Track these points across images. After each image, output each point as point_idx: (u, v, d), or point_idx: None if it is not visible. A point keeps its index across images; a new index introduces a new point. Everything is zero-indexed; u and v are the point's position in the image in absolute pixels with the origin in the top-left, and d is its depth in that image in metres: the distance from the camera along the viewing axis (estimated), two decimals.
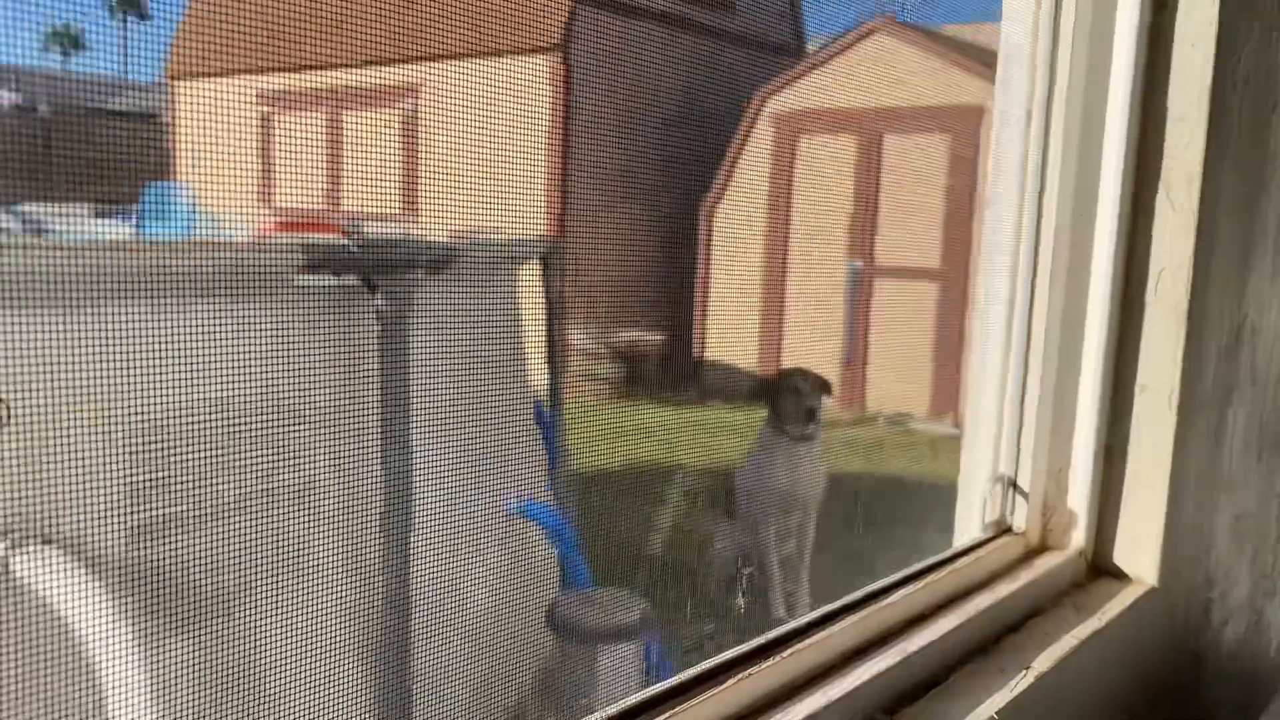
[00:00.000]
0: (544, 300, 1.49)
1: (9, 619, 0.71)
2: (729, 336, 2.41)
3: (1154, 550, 1.00)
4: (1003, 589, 0.94)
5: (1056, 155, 0.98)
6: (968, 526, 1.02)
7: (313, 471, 0.95)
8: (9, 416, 0.66)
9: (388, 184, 0.96)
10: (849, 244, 2.93)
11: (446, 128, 0.94)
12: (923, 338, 3.10)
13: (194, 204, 0.99)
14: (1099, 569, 1.04)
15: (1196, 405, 1.01)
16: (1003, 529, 1.02)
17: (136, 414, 0.77)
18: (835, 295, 2.93)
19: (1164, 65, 0.97)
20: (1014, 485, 1.04)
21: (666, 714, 0.66)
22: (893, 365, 2.96)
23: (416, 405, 1.00)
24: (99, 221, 0.81)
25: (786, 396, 1.92)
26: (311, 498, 0.95)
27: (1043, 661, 0.85)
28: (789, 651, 0.74)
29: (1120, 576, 1.03)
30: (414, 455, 0.99)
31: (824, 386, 2.00)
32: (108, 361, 0.77)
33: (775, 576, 1.84)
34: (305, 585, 0.92)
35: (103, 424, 0.77)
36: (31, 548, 0.78)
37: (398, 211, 1.03)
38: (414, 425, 0.99)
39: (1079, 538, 1.02)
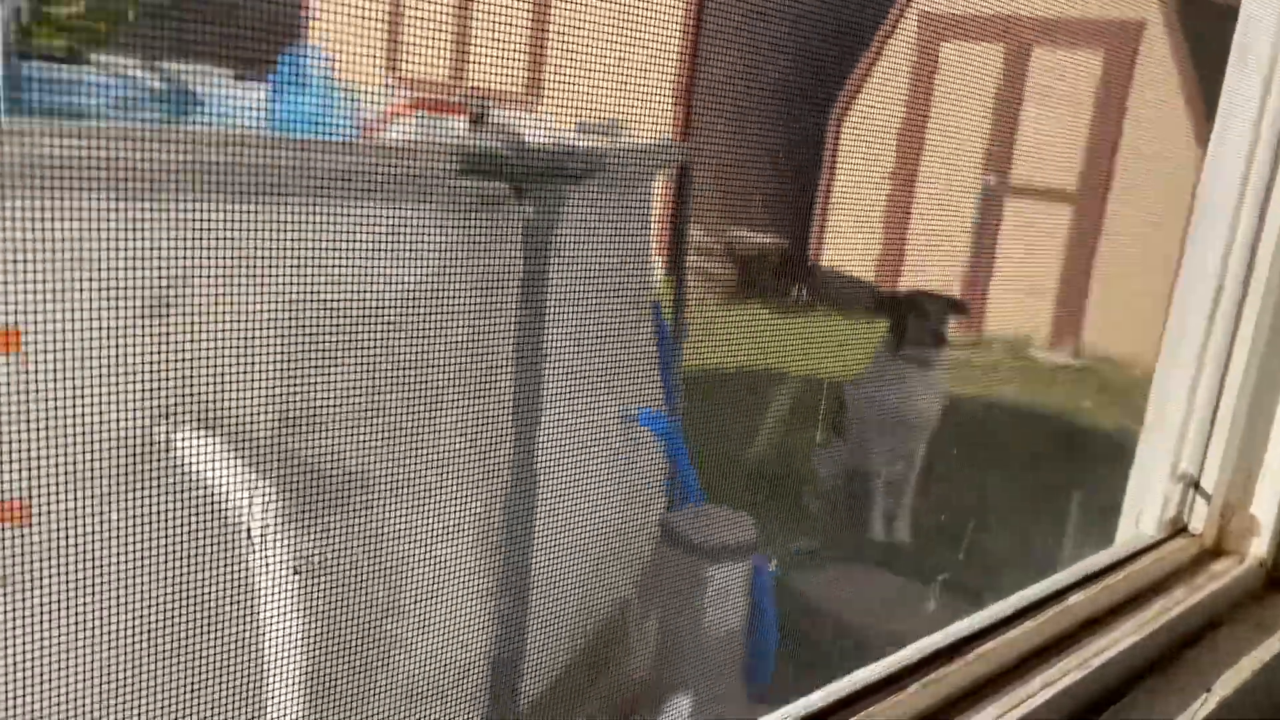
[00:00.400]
0: (676, 208, 1.46)
1: (168, 495, 0.75)
2: (850, 247, 2.35)
3: None
4: (1179, 595, 0.91)
5: None
6: (1140, 520, 0.99)
7: (450, 376, 0.96)
8: (22, 346, 0.68)
9: (515, 66, 0.94)
10: (984, 160, 2.81)
11: (580, 11, 0.92)
12: (1049, 263, 3.00)
13: (329, 72, 0.99)
14: (1278, 581, 1.01)
15: None
16: (1178, 528, 0.99)
17: (290, 310, 0.79)
18: (964, 212, 2.83)
19: None
20: (1196, 485, 1.00)
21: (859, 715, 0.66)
22: (1016, 289, 2.87)
23: (551, 314, 1.00)
24: (238, 87, 0.81)
25: (913, 318, 1.88)
26: (448, 399, 0.96)
27: (1224, 685, 0.83)
28: (972, 655, 0.73)
29: None
30: (546, 364, 1.00)
31: (956, 308, 1.95)
32: (267, 257, 0.78)
33: (877, 498, 1.84)
34: (436, 481, 0.95)
35: (258, 318, 0.79)
36: (189, 430, 0.81)
37: (522, 94, 1.01)
38: (548, 336, 0.99)
39: (1260, 546, 0.98)
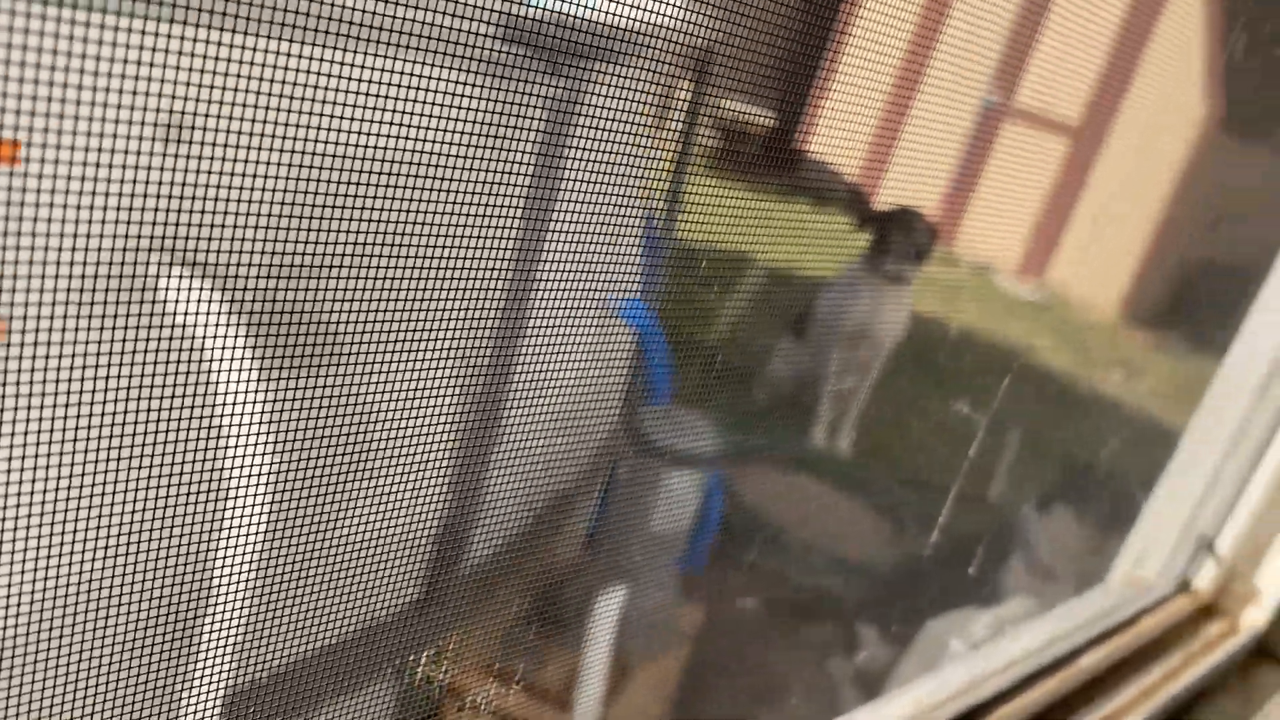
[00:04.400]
0: (691, 90, 1.41)
1: (151, 333, 0.72)
2: (844, 139, 2.30)
3: None
4: (1178, 660, 0.94)
5: None
6: (1141, 563, 1.02)
7: (446, 241, 0.94)
8: (8, 333, 0.65)
9: None
10: (992, 77, 2.75)
11: None
12: (1032, 194, 2.98)
13: None
14: (1265, 652, 1.05)
15: None
16: (1181, 586, 1.02)
17: (290, 156, 0.75)
18: (961, 124, 2.79)
19: None
20: (1209, 546, 1.03)
21: None
22: (993, 214, 2.86)
23: (561, 194, 0.97)
24: None
25: (896, 233, 1.87)
26: (441, 263, 0.94)
27: None
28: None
29: None
30: (543, 245, 0.97)
31: (934, 232, 1.94)
32: (273, 98, 0.74)
33: (824, 409, 1.86)
34: (416, 346, 0.93)
35: (257, 160, 0.75)
36: (179, 270, 0.78)
37: None
38: (551, 218, 0.97)
39: (1258, 616, 1.01)
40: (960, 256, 2.84)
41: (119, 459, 0.74)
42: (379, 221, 0.84)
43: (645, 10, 1.09)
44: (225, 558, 0.82)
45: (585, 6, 1.00)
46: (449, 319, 0.94)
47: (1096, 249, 2.82)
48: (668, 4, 1.11)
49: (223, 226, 0.75)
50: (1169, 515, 1.00)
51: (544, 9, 0.92)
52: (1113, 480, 1.68)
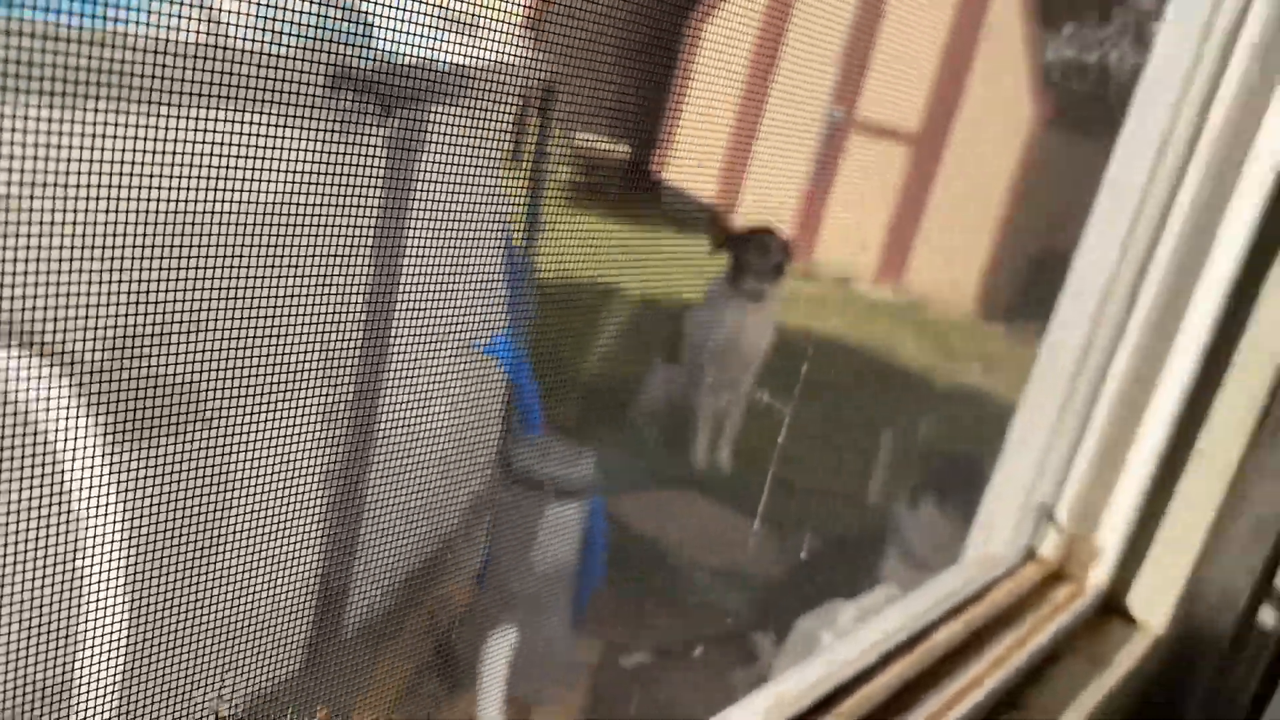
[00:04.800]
0: (538, 124, 1.42)
1: None
2: (697, 163, 2.35)
3: (1168, 598, 1.05)
4: (1030, 626, 0.98)
5: (1187, 196, 0.96)
6: (990, 539, 1.06)
7: (298, 296, 0.92)
8: None
9: None
10: (834, 91, 2.85)
11: None
12: (883, 202, 3.09)
13: None
14: (1110, 607, 1.10)
15: (1250, 481, 1.04)
16: (1028, 555, 1.06)
17: (129, 224, 0.73)
18: (809, 139, 2.87)
19: None
20: (1050, 514, 1.07)
21: None
22: (848, 224, 2.95)
23: (410, 236, 0.97)
24: None
25: (754, 252, 1.91)
26: (296, 320, 0.92)
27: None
28: (842, 707, 0.76)
29: (1129, 619, 1.09)
30: (399, 288, 0.97)
31: (789, 250, 2.00)
32: (108, 164, 0.72)
33: (703, 426, 1.88)
34: (277, 403, 0.91)
35: (95, 231, 0.73)
36: (13, 350, 0.75)
37: None
38: (404, 261, 0.96)
39: (1100, 576, 1.06)
40: (821, 269, 2.93)
41: None
42: (223, 279, 0.82)
43: (482, 50, 1.09)
44: (86, 644, 0.78)
45: (419, 50, 1.00)
46: (306, 371, 0.92)
47: (949, 250, 2.94)
48: (505, 43, 1.12)
49: (56, 298, 0.73)
50: (1010, 490, 1.05)
51: (376, 57, 0.92)
52: (974, 466, 1.75)
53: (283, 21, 0.87)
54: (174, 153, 0.75)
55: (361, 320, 0.95)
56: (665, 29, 2.22)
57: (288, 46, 0.83)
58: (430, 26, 0.95)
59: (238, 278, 0.84)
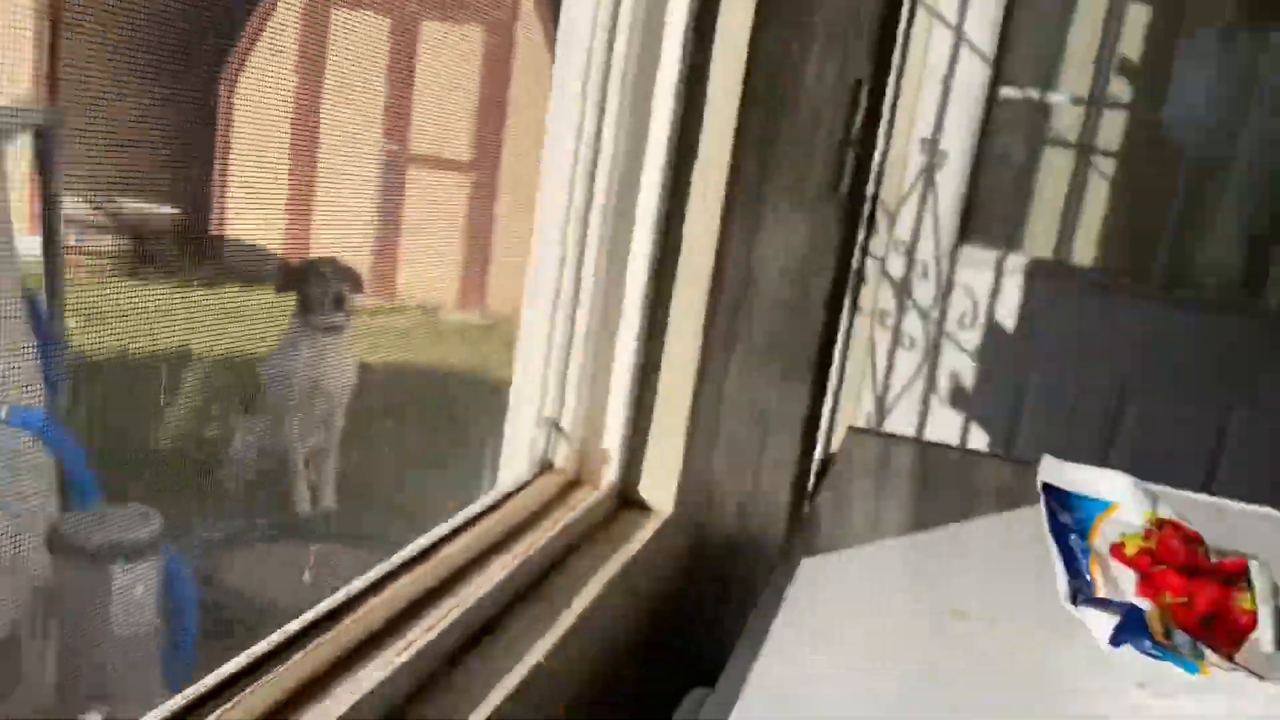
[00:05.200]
0: (40, 177, 1.33)
1: None
2: (255, 215, 2.29)
3: (670, 484, 1.18)
4: (548, 526, 1.05)
5: (610, 135, 1.08)
6: (515, 464, 1.13)
7: None
8: None
9: None
10: (384, 129, 2.89)
11: None
12: (452, 230, 3.18)
13: None
14: (627, 501, 1.21)
15: (711, 357, 1.20)
16: (546, 467, 1.14)
17: None
18: (369, 180, 2.89)
19: (704, 60, 1.11)
20: (557, 427, 1.16)
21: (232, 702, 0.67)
22: (423, 256, 3.00)
23: None
24: None
25: (313, 285, 1.91)
26: None
27: (584, 598, 0.98)
28: (349, 619, 0.78)
29: (644, 508, 1.21)
30: None
31: (350, 276, 2.01)
32: None
33: (299, 470, 1.85)
34: None
35: None
36: None
37: None
38: None
39: (611, 474, 1.17)
40: (407, 301, 2.95)
41: None
42: None
43: None
44: None
45: None
46: None
47: (516, 266, 3.08)
48: None
49: None
50: (522, 415, 1.16)
51: None
52: None
53: None
54: None
55: None
56: (195, 88, 2.16)
57: None
58: None
59: None
